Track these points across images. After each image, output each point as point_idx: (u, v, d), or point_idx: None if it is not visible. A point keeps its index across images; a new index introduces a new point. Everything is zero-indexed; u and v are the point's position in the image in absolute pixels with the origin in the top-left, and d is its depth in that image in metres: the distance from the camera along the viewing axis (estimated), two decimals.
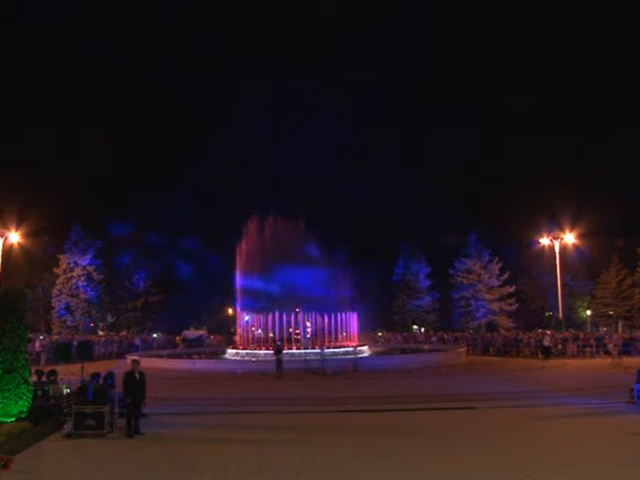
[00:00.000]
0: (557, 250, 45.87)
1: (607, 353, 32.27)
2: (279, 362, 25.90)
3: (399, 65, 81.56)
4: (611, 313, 55.95)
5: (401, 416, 14.18)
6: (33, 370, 14.97)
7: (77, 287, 53.41)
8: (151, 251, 58.52)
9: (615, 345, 31.52)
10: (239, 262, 37.81)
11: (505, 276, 55.62)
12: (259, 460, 9.71)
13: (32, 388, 13.64)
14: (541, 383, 20.86)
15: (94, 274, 54.37)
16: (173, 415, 14.20)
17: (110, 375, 14.33)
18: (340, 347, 33.01)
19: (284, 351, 29.63)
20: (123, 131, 68.91)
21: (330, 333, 35.41)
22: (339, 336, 34.98)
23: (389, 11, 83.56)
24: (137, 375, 12.27)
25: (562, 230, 47.70)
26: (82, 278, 53.48)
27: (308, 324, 36.17)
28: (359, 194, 61.55)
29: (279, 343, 29.75)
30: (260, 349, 32.47)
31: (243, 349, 33.64)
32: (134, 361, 12.95)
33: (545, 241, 48.93)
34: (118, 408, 12.88)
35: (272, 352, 28.00)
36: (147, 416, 12.75)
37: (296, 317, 34.77)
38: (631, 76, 70.84)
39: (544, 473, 8.80)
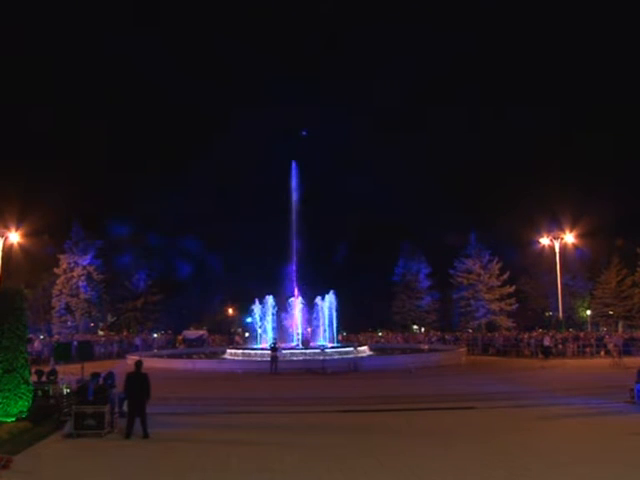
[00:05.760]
0: (557, 250, 45.87)
1: (607, 353, 32.28)
2: (274, 359, 26.03)
3: (399, 65, 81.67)
4: (611, 313, 55.95)
5: (401, 416, 14.16)
6: (33, 370, 14.97)
7: (77, 287, 53.39)
8: (151, 251, 58.53)
9: (615, 345, 31.55)
10: None
11: (505, 276, 55.64)
12: (258, 460, 9.70)
13: (32, 388, 13.62)
14: (541, 383, 20.87)
15: (94, 274, 54.35)
16: (173, 415, 14.18)
17: (110, 375, 14.31)
18: (340, 346, 33.07)
19: (284, 351, 29.71)
20: (123, 131, 69.11)
21: (331, 332, 35.53)
22: (339, 336, 35.03)
23: (389, 9, 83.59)
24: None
25: (562, 230, 47.72)
26: (82, 278, 53.46)
27: (308, 329, 36.30)
28: (360, 194, 61.66)
29: (274, 341, 29.81)
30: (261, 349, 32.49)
31: (244, 349, 33.69)
32: (139, 361, 12.83)
33: (545, 241, 48.93)
34: (118, 408, 12.87)
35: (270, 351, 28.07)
36: (148, 416, 12.72)
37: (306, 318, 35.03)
38: (632, 76, 70.83)
39: (544, 473, 8.80)
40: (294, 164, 38.68)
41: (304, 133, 32.33)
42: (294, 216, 37.37)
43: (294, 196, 37.85)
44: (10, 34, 68.33)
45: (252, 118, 70.88)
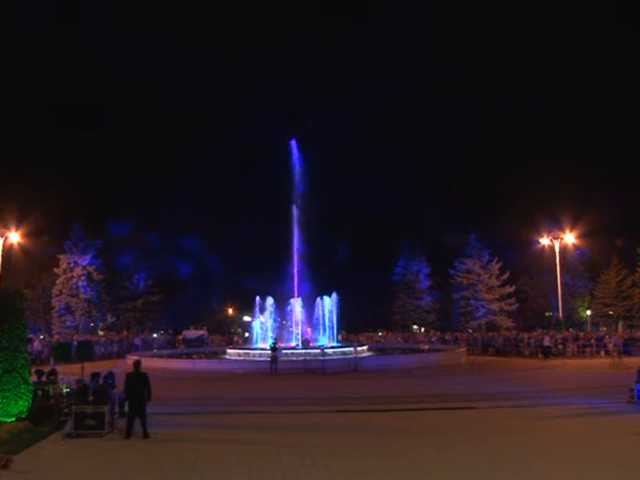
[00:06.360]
0: (557, 250, 45.88)
1: (607, 353, 32.29)
2: (274, 359, 26.06)
3: (399, 64, 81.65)
4: (611, 313, 55.94)
5: (401, 416, 14.18)
6: (33, 370, 14.97)
7: (77, 287, 53.41)
8: (151, 251, 58.57)
9: (615, 345, 31.56)
10: None
11: (505, 276, 55.64)
12: (258, 460, 9.70)
13: (32, 388, 13.63)
14: (541, 383, 20.88)
15: (94, 274, 54.37)
16: (173, 415, 14.19)
17: (110, 375, 14.31)
18: (340, 346, 33.05)
19: (284, 351, 29.70)
20: (123, 131, 69.13)
21: (331, 332, 35.51)
22: (339, 336, 35.01)
23: (389, 10, 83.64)
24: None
25: (562, 230, 47.74)
26: (82, 278, 53.48)
27: (308, 329, 36.28)
28: (359, 194, 61.60)
29: (274, 341, 29.80)
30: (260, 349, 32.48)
31: (244, 349, 33.69)
32: (137, 361, 12.85)
33: (545, 241, 48.96)
34: (118, 408, 12.86)
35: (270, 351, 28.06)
36: (147, 416, 12.73)
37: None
38: (631, 76, 70.85)
39: (544, 473, 8.80)
40: (294, 143, 38.54)
41: (309, 122, 32.34)
42: (294, 216, 37.37)
43: (296, 186, 37.65)
44: (10, 34, 68.33)
45: (252, 118, 70.88)
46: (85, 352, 17.08)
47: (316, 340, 35.61)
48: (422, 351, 36.23)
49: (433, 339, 45.64)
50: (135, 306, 57.86)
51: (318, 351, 29.19)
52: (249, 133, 73.04)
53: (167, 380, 21.28)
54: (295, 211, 37.45)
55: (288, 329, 37.31)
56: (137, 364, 12.46)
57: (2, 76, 68.17)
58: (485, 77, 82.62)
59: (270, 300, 36.13)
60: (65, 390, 14.30)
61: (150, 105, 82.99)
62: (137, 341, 44.43)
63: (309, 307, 36.49)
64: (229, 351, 34.30)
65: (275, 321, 36.38)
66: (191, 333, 49.33)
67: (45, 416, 13.03)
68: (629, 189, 52.03)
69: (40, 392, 13.98)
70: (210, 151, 74.63)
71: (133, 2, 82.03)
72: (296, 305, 36.13)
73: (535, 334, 39.87)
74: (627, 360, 27.39)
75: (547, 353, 32.63)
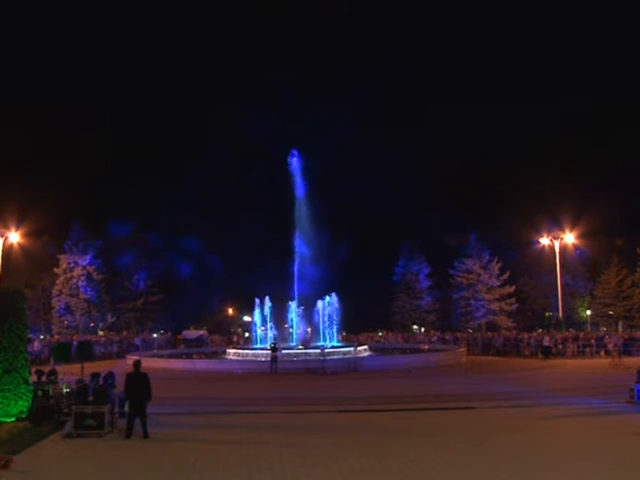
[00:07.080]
0: (557, 250, 45.87)
1: (607, 353, 32.28)
2: (274, 359, 26.08)
3: (399, 64, 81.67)
4: (611, 313, 55.94)
5: (401, 416, 14.17)
6: (33, 370, 14.96)
7: (77, 287, 53.41)
8: (151, 251, 58.55)
9: (615, 345, 31.54)
10: None
11: (505, 276, 55.65)
12: (258, 460, 9.70)
13: (32, 388, 13.63)
14: (541, 383, 20.88)
15: (94, 274, 54.37)
16: (173, 415, 14.18)
17: (110, 375, 14.31)
18: (340, 346, 33.05)
19: (284, 351, 29.69)
20: (123, 131, 69.14)
21: (331, 332, 35.50)
22: (339, 336, 34.99)
23: (389, 10, 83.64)
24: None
25: (562, 230, 47.73)
26: (82, 278, 53.48)
27: (308, 329, 36.26)
28: (359, 194, 61.58)
29: (274, 341, 29.80)
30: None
31: (244, 349, 33.68)
32: (137, 361, 12.86)
33: (545, 241, 48.95)
34: (118, 408, 12.87)
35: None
36: (147, 416, 12.72)
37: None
38: (631, 76, 70.87)
39: (544, 473, 8.80)
40: (295, 153, 38.62)
41: None
42: (294, 216, 37.36)
43: (296, 186, 37.70)
44: (10, 34, 68.36)
45: (252, 118, 70.93)
46: (85, 352, 17.04)
47: (316, 340, 35.59)
48: (422, 351, 36.21)
49: (433, 339, 45.61)
50: (135, 306, 57.85)
51: (318, 351, 29.18)
52: (249, 133, 72.99)
53: (167, 380, 21.26)
54: (295, 211, 37.43)
55: (288, 329, 37.30)
56: (137, 364, 12.46)
57: (2, 76, 68.18)
58: (485, 77, 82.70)
59: (269, 301, 36.10)
60: (65, 390, 14.29)
61: (150, 105, 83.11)
62: (137, 341, 44.40)
63: (309, 307, 36.47)
64: (229, 351, 34.28)
65: (274, 321, 36.37)
66: (191, 333, 49.29)
67: (45, 416, 13.03)
68: (629, 189, 52.10)
69: (40, 392, 13.98)
70: (210, 151, 74.56)
71: (133, 2, 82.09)
72: (296, 305, 36.11)
73: (535, 334, 39.87)
74: (627, 360, 27.38)
75: (547, 353, 32.63)
